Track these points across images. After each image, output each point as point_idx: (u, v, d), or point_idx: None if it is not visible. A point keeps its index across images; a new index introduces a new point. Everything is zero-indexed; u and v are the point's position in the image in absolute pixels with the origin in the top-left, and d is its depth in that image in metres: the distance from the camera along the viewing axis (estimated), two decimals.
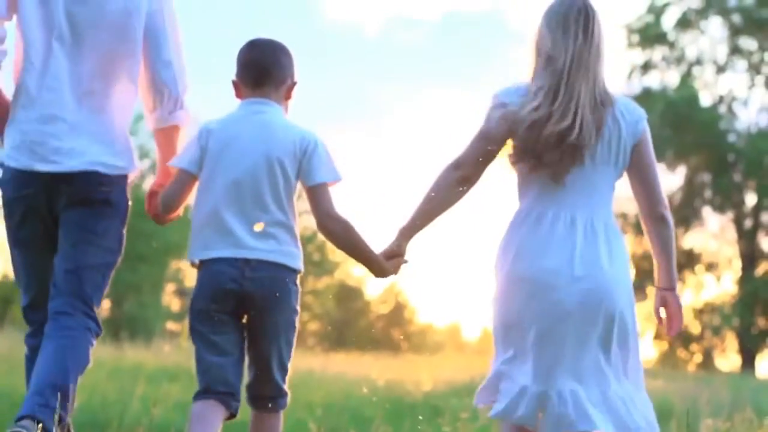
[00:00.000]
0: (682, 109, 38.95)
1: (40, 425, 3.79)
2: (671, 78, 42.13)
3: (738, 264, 41.26)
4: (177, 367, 12.99)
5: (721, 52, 41.78)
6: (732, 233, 41.50)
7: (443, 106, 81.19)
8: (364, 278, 57.63)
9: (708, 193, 41.64)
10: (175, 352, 15.55)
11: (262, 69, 4.33)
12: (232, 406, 4.20)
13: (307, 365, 15.90)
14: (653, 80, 42.45)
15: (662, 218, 4.16)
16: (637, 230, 41.56)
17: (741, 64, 41.65)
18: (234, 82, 4.41)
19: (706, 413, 6.66)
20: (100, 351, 16.47)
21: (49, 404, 3.87)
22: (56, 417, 3.86)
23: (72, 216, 4.20)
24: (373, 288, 66.02)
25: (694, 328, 42.11)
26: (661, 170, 31.77)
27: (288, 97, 4.43)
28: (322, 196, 4.22)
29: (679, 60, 42.16)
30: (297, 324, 4.29)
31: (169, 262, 35.74)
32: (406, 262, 4.13)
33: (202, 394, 4.17)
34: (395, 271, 4.12)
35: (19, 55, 4.26)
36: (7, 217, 4.30)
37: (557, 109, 3.83)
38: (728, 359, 41.93)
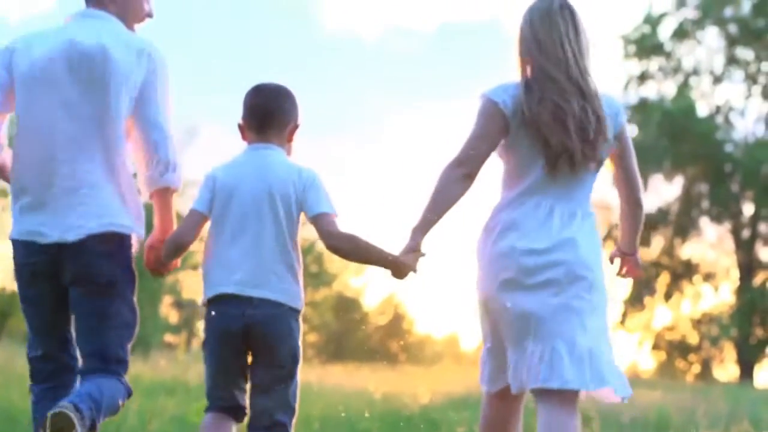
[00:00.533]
0: (679, 119, 38.97)
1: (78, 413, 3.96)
2: (668, 88, 42.20)
3: (736, 274, 41.24)
4: (174, 380, 12.95)
5: (718, 62, 41.86)
6: (730, 243, 41.50)
7: (440, 115, 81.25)
8: (363, 289, 57.66)
9: (705, 204, 41.64)
10: (172, 365, 15.51)
11: (266, 115, 4.59)
12: (239, 417, 4.55)
13: (305, 378, 15.83)
14: (650, 91, 42.51)
15: (639, 202, 4.50)
16: None
17: (738, 74, 41.70)
18: (240, 126, 4.68)
19: (703, 425, 6.62)
20: None
21: (84, 404, 4.04)
22: (89, 419, 4.04)
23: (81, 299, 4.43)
24: (371, 299, 66.07)
25: (693, 338, 42.12)
26: (658, 180, 31.76)
27: (290, 139, 4.67)
28: (323, 222, 4.44)
29: (676, 70, 42.20)
30: (299, 358, 4.48)
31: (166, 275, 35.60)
32: (423, 255, 4.27)
33: (211, 409, 4.53)
34: (414, 266, 4.27)
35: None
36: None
37: (569, 103, 4.13)
38: (726, 370, 41.94)
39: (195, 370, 13.59)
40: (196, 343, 43.70)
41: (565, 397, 4.07)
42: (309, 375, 17.35)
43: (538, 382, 4.07)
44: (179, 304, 47.53)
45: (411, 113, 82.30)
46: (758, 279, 41.00)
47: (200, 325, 58.07)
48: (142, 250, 4.63)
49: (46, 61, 4.40)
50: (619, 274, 4.67)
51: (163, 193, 4.50)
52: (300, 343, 4.48)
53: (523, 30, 4.29)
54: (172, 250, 4.54)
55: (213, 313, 4.46)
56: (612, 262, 4.66)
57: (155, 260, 4.61)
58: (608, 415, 12.52)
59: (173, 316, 51.46)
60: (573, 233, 4.14)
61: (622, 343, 42.46)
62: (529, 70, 4.24)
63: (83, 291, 4.39)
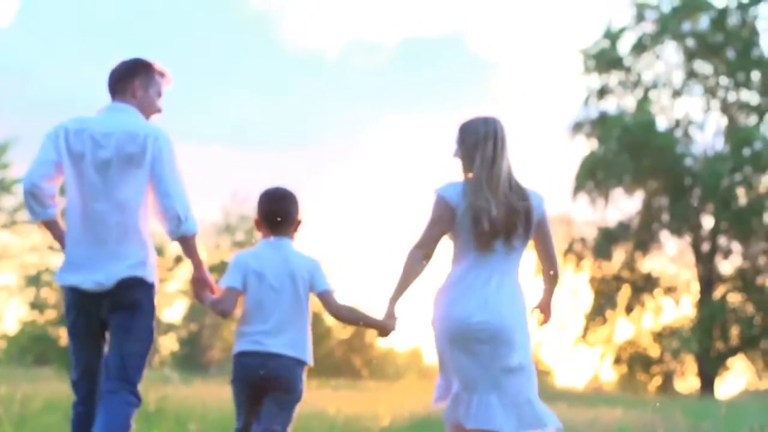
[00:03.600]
0: (639, 133, 39.20)
1: None
2: (628, 102, 42.45)
3: (696, 287, 41.49)
4: (159, 412, 12.65)
5: (677, 76, 42.18)
6: (690, 257, 41.73)
7: (404, 130, 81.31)
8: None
9: (665, 217, 41.86)
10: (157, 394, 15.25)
11: (277, 219, 5.99)
12: None
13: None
14: (610, 105, 42.79)
15: (555, 275, 5.73)
16: (596, 254, 41.81)
17: (697, 88, 42.01)
18: (256, 222, 6.12)
19: None
20: (55, 387, 16.24)
21: None
22: None
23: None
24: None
25: (654, 351, 42.31)
26: (618, 194, 31.99)
27: (295, 230, 6.07)
28: (328, 298, 5.95)
29: (636, 84, 42.48)
30: (301, 397, 5.90)
31: None
32: (397, 318, 5.66)
33: None
34: (393, 327, 5.69)
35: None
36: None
37: (489, 202, 5.38)
38: (687, 382, 42.11)
39: (154, 393, 13.42)
40: (158, 359, 43.42)
41: None
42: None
43: (477, 423, 5.32)
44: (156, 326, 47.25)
45: (375, 127, 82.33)
46: (718, 292, 41.25)
47: (162, 341, 57.94)
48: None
49: (79, 145, 5.63)
50: (539, 324, 5.83)
51: (183, 241, 5.69)
52: (303, 388, 5.94)
53: (460, 147, 5.55)
54: (217, 313, 5.97)
55: (239, 360, 5.89)
56: (532, 314, 5.77)
57: (198, 293, 5.97)
58: None
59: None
60: (501, 300, 5.36)
61: (584, 357, 42.66)
62: (468, 174, 5.50)
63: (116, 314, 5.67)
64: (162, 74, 5.98)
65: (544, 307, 5.81)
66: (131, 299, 5.64)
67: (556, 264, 5.69)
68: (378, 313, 5.78)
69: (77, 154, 5.63)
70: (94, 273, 5.61)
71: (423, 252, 5.45)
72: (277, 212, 5.99)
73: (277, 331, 5.82)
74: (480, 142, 5.46)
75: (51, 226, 5.82)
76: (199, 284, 5.92)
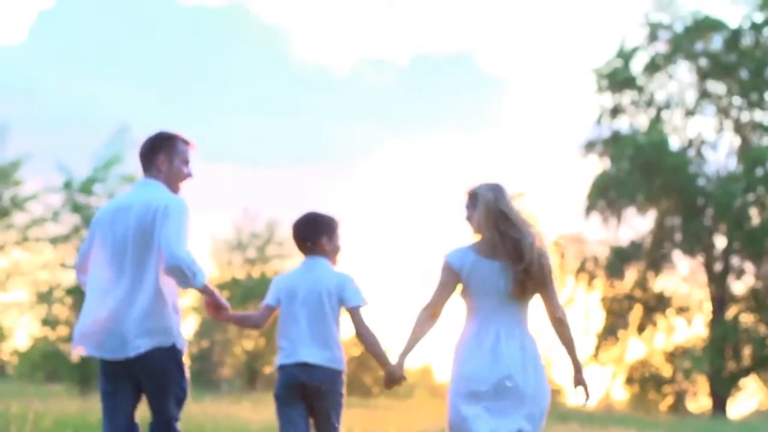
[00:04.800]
0: (652, 153, 39.17)
1: None
2: (640, 122, 42.42)
3: (708, 307, 41.38)
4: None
5: (690, 96, 42.18)
6: (702, 276, 41.64)
7: (414, 148, 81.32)
8: None
9: (678, 237, 41.78)
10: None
11: (306, 244, 6.57)
12: None
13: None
14: (623, 124, 42.77)
15: (561, 320, 6.13)
16: (609, 273, 41.73)
17: (709, 108, 41.99)
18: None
19: None
20: (66, 405, 16.27)
21: None
22: None
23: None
24: (345, 330, 65.73)
25: (666, 371, 42.19)
26: (631, 214, 31.97)
27: (334, 252, 6.60)
28: (354, 315, 6.44)
29: (648, 104, 42.47)
30: (343, 403, 6.43)
31: None
32: (404, 373, 6.16)
33: None
34: (400, 379, 6.16)
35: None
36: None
37: (495, 261, 5.92)
38: (699, 402, 41.97)
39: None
40: None
41: None
42: None
43: None
44: None
45: (384, 145, 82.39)
46: (731, 312, 41.14)
47: None
48: None
49: (105, 228, 6.12)
50: (585, 400, 6.26)
51: (198, 291, 6.07)
52: (344, 391, 6.46)
53: (472, 215, 6.03)
54: (247, 327, 6.74)
55: (283, 371, 6.39)
56: (575, 387, 6.25)
57: (216, 316, 6.38)
58: None
59: None
60: (513, 354, 5.85)
61: (595, 376, 42.53)
62: (477, 235, 6.02)
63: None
64: (185, 142, 6.32)
65: (580, 381, 6.24)
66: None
67: (560, 308, 6.18)
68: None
69: (106, 229, 6.13)
70: None
71: (430, 312, 6.01)
72: (306, 238, 6.58)
73: (310, 343, 6.33)
74: (487, 206, 5.95)
75: None
76: (214, 308, 6.32)
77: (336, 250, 6.60)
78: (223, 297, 6.26)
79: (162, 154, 6.23)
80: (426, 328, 6.03)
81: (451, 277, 5.98)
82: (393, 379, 6.16)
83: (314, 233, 6.55)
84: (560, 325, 6.13)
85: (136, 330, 5.92)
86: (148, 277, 5.98)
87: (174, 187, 6.25)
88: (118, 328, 5.93)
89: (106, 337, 5.96)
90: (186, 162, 6.30)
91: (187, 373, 6.16)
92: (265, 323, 6.55)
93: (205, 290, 6.04)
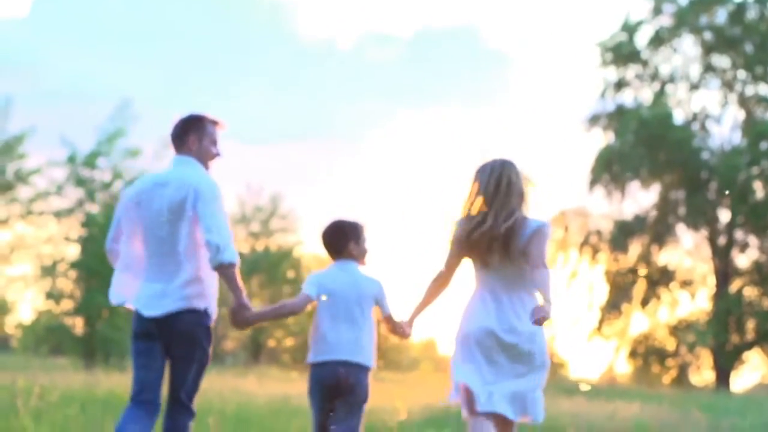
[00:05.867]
0: (656, 126, 39.10)
1: None
2: (645, 96, 42.31)
3: (712, 281, 41.39)
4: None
5: (695, 69, 42.04)
6: (706, 250, 41.63)
7: (417, 122, 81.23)
8: None
9: (682, 210, 41.75)
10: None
11: (335, 250, 6.98)
12: None
13: (283, 391, 15.80)
14: (627, 98, 42.64)
15: (538, 269, 6.30)
16: (613, 246, 41.74)
17: (714, 81, 41.86)
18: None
19: None
20: (72, 379, 16.29)
21: None
22: None
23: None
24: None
25: (669, 344, 42.23)
26: (635, 188, 31.98)
27: (362, 255, 7.00)
28: (388, 320, 6.90)
29: (653, 77, 42.34)
30: (368, 398, 6.81)
31: None
32: (410, 336, 6.83)
33: None
34: (409, 334, 6.78)
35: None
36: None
37: (487, 229, 6.23)
38: (702, 375, 42.03)
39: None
40: None
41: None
42: (288, 388, 17.26)
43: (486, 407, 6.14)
44: None
45: (388, 119, 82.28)
46: (734, 286, 41.17)
47: None
48: None
49: (143, 202, 6.47)
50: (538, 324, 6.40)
51: (222, 269, 6.26)
52: (369, 390, 6.83)
53: (475, 184, 6.31)
54: (284, 315, 7.00)
55: (315, 369, 6.80)
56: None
57: (239, 320, 6.52)
58: (585, 429, 12.50)
59: None
60: (516, 312, 6.17)
61: (598, 349, 42.61)
62: (475, 209, 6.29)
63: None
64: (214, 123, 6.74)
65: (536, 310, 6.38)
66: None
67: (543, 270, 6.29)
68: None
69: (143, 203, 6.50)
70: None
71: (442, 277, 6.40)
72: (334, 245, 7.01)
73: (346, 341, 6.76)
74: (490, 181, 6.27)
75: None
76: (240, 310, 6.48)
77: (363, 253, 7.01)
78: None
79: (192, 134, 6.64)
80: (436, 293, 6.47)
81: (458, 243, 6.30)
82: (401, 333, 6.81)
83: (342, 240, 6.97)
84: (538, 273, 6.25)
85: (174, 294, 6.30)
86: (184, 248, 6.35)
87: (204, 166, 6.65)
88: (157, 291, 6.33)
89: (147, 299, 6.36)
90: (214, 142, 6.71)
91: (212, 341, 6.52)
92: (302, 311, 6.87)
93: (232, 276, 6.27)
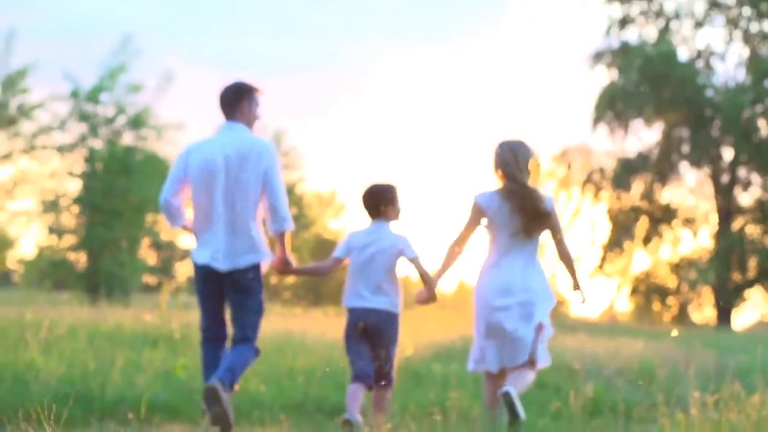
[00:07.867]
0: (660, 64, 38.93)
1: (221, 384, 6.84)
2: (649, 33, 42.10)
3: (715, 219, 41.43)
4: (157, 332, 12.83)
5: (699, 6, 41.78)
6: (709, 188, 41.64)
7: (417, 61, 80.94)
8: (341, 232, 57.65)
9: (685, 148, 41.70)
10: (154, 315, 15.31)
11: (372, 211, 7.80)
12: (368, 384, 7.62)
13: (286, 326, 15.82)
14: (631, 35, 42.44)
15: (566, 255, 7.56)
16: (615, 185, 41.70)
17: (719, 18, 41.64)
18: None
19: (694, 385, 6.65)
20: (78, 313, 16.34)
21: (225, 377, 6.93)
22: (229, 384, 6.93)
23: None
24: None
25: (671, 282, 42.34)
26: (638, 125, 31.99)
27: (395, 214, 7.82)
28: (415, 263, 7.69)
29: (657, 14, 42.09)
30: (399, 335, 7.76)
31: (144, 217, 35.39)
32: (436, 299, 7.66)
33: (354, 379, 7.59)
34: (435, 298, 7.63)
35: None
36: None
37: (515, 204, 7.26)
38: (703, 313, 42.17)
39: (177, 321, 13.48)
40: (174, 285, 43.58)
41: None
42: (291, 324, 17.30)
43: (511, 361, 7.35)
44: (158, 246, 47.44)
45: (387, 58, 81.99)
46: (737, 224, 41.23)
47: (178, 267, 58.16)
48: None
49: (209, 162, 7.23)
50: (582, 303, 7.71)
51: (280, 236, 7.30)
52: (399, 328, 7.77)
53: (496, 161, 7.34)
54: (318, 274, 8.34)
55: (350, 312, 7.73)
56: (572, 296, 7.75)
57: (281, 270, 7.55)
58: (592, 367, 12.56)
59: (152, 258, 51.39)
60: (528, 277, 7.28)
61: (601, 287, 42.69)
62: (502, 183, 7.32)
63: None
64: (258, 91, 7.52)
65: (576, 288, 7.66)
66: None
67: (565, 246, 7.55)
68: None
69: (205, 167, 7.25)
70: None
71: (459, 246, 7.41)
72: (369, 207, 7.80)
73: (375, 290, 7.64)
74: (511, 160, 7.28)
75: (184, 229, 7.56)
76: (282, 264, 7.46)
77: (397, 212, 7.83)
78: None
79: (246, 102, 7.45)
80: (454, 257, 7.47)
81: (479, 215, 7.36)
82: (428, 297, 7.66)
83: (377, 203, 7.79)
84: (568, 262, 7.57)
85: (241, 248, 7.21)
86: (245, 204, 7.21)
87: (250, 128, 7.45)
88: (226, 246, 7.20)
89: (221, 254, 7.21)
90: (258, 106, 7.55)
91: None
92: (331, 273, 8.03)
93: (286, 240, 7.32)
